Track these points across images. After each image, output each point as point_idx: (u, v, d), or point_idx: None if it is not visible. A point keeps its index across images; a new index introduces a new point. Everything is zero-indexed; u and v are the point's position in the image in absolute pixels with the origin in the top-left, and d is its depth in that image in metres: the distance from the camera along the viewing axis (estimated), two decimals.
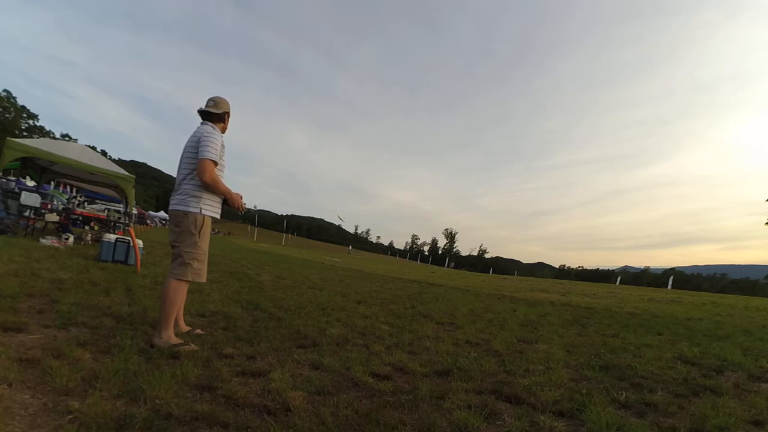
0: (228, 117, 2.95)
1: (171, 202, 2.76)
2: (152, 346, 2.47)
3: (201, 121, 2.86)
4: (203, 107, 2.86)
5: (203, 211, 2.70)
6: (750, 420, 2.18)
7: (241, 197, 2.86)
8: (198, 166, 2.62)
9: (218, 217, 2.85)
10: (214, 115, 2.84)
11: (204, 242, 2.74)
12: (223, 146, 2.76)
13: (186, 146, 2.77)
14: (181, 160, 2.78)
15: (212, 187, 2.68)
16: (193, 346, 2.54)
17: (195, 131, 2.78)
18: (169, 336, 2.56)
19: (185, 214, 2.66)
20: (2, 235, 7.72)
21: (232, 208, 2.91)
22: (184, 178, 2.71)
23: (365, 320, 4.44)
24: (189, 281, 2.70)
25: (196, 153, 2.66)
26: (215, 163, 2.67)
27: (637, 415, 2.20)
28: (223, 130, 2.92)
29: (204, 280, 2.80)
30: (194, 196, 2.67)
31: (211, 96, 2.91)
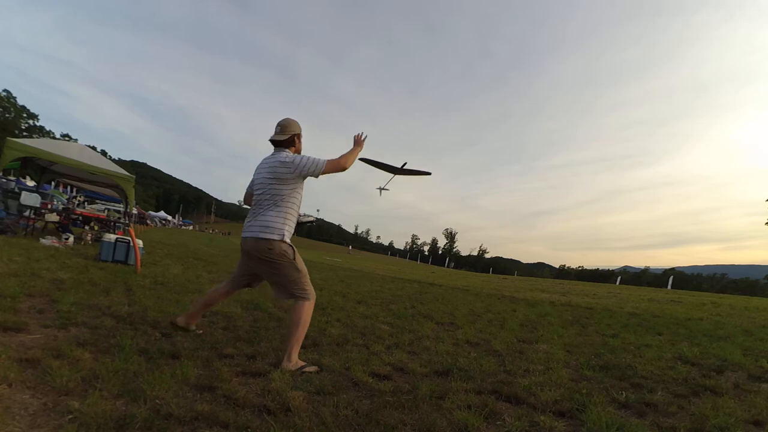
0: (299, 138, 2.80)
1: (250, 230, 2.63)
2: (279, 368, 2.40)
3: (274, 149, 2.77)
4: (272, 136, 2.76)
5: (286, 237, 2.62)
6: (750, 420, 2.18)
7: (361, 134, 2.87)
8: (329, 169, 2.63)
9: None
10: (284, 141, 2.73)
11: (301, 264, 2.69)
12: None
13: (260, 171, 2.70)
14: (254, 185, 2.74)
15: (347, 164, 2.70)
16: (314, 367, 2.51)
17: (271, 157, 2.71)
18: (297, 359, 2.53)
19: (272, 242, 2.57)
20: (2, 235, 7.72)
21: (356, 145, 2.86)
22: (264, 206, 2.63)
23: (365, 320, 4.44)
24: (312, 303, 2.69)
25: (275, 179, 2.60)
26: (326, 160, 2.65)
27: (637, 415, 2.20)
28: (298, 152, 2.79)
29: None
30: (278, 225, 2.60)
31: (277, 120, 2.76)
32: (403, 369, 2.72)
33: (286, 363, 2.46)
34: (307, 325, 2.63)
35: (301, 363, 2.51)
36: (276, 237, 2.57)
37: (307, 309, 2.63)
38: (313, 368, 2.49)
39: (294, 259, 2.64)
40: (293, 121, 2.77)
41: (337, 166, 2.65)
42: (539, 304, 8.03)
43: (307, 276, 2.72)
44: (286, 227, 2.63)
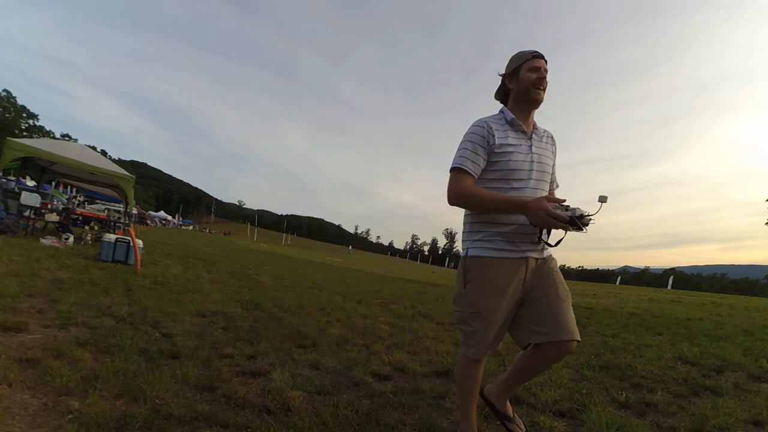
0: (511, 76, 1.67)
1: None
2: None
3: None
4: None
5: (470, 252, 1.67)
6: (750, 420, 2.18)
7: (550, 202, 1.46)
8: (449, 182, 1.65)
9: (506, 255, 1.60)
10: (497, 93, 1.77)
11: (474, 296, 1.63)
12: (491, 131, 1.59)
13: None
14: None
15: (469, 206, 1.66)
16: None
17: None
18: (467, 420, 1.75)
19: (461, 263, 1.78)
20: (2, 235, 7.71)
21: (559, 226, 1.47)
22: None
23: (365, 320, 4.44)
24: (470, 357, 1.69)
25: None
26: (465, 171, 1.58)
27: (637, 415, 2.20)
28: (517, 99, 1.67)
29: (483, 353, 1.66)
30: (464, 234, 1.76)
31: None
32: (403, 369, 2.72)
33: (459, 427, 1.80)
34: (463, 386, 1.75)
35: (470, 429, 1.74)
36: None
37: (460, 363, 1.79)
38: None
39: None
40: (516, 54, 1.69)
41: (448, 193, 1.62)
42: None
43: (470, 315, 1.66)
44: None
